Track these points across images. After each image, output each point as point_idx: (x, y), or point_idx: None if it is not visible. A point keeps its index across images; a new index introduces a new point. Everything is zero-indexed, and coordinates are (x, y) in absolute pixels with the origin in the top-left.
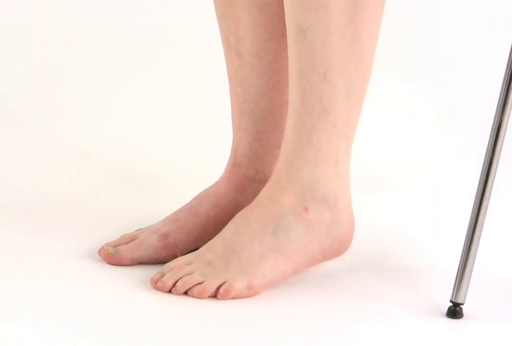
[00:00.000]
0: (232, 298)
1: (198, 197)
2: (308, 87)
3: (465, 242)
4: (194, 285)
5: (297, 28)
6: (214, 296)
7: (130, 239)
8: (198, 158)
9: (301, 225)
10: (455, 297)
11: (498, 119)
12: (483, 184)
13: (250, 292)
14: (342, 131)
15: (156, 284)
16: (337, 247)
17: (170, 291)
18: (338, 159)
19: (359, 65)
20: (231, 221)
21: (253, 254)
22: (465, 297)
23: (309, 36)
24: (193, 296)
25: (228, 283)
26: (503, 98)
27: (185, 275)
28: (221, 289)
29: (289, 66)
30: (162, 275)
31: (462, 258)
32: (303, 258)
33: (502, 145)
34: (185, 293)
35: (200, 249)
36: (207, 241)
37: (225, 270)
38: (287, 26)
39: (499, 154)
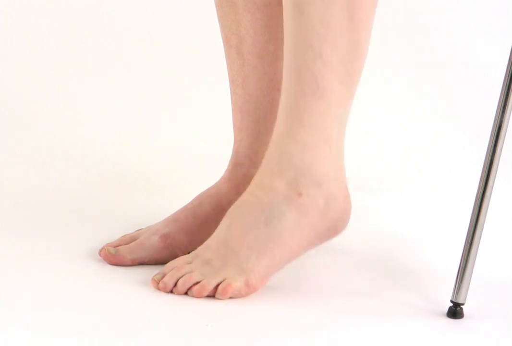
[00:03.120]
0: (231, 297)
1: (199, 198)
2: (304, 66)
3: (465, 242)
4: (193, 285)
5: (294, 4)
6: (213, 295)
7: (130, 239)
8: (199, 158)
9: (294, 210)
10: (455, 297)
11: (499, 119)
12: (483, 184)
13: (249, 290)
14: (336, 113)
15: (158, 285)
16: (333, 228)
17: (171, 291)
18: (332, 142)
19: (354, 44)
20: (225, 215)
21: (248, 250)
22: (465, 297)
23: (306, 12)
24: (193, 296)
25: (225, 282)
26: (504, 98)
27: (185, 274)
28: (219, 288)
29: (285, 44)
30: (163, 275)
31: (463, 258)
32: (299, 244)
33: (502, 145)
34: (186, 293)
35: (198, 248)
36: None
37: (223, 268)
38: (283, 4)
39: (500, 154)
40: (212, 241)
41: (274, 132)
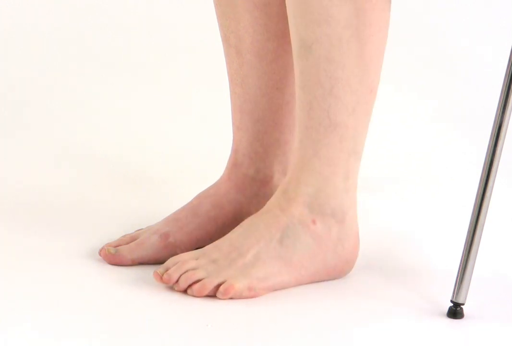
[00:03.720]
0: (232, 298)
1: (198, 197)
2: (314, 102)
3: (465, 242)
4: (194, 282)
5: (301, 43)
6: (215, 295)
7: (130, 239)
8: (198, 158)
9: (309, 236)
10: (455, 297)
11: (499, 119)
12: (483, 184)
13: (250, 293)
14: (350, 146)
15: (162, 277)
16: (341, 267)
17: (172, 288)
18: (348, 174)
19: (364, 79)
20: (239, 225)
21: (258, 258)
22: (465, 297)
23: (313, 51)
24: (192, 294)
25: (228, 282)
26: (504, 98)
27: (188, 270)
28: (221, 287)
29: (295, 80)
30: (166, 269)
31: (463, 258)
32: (307, 271)
33: (502, 145)
34: (185, 291)
35: (207, 247)
36: (208, 241)
37: (228, 270)
38: (291, 40)
39: (500, 154)
40: (224, 243)
41: (292, 160)
